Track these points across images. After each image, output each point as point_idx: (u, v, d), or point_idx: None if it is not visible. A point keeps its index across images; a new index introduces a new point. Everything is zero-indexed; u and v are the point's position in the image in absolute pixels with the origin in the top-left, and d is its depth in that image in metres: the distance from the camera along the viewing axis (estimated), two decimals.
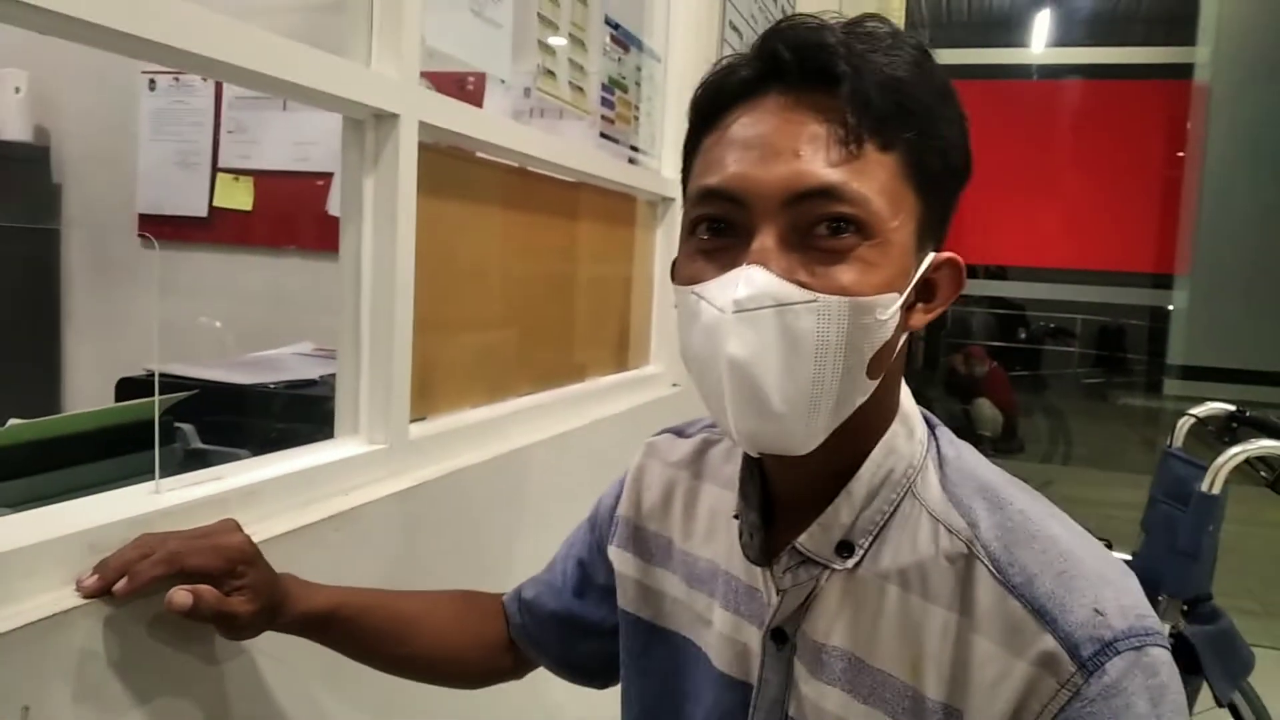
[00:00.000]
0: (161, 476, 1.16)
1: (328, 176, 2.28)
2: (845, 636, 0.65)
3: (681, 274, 0.65)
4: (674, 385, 2.08)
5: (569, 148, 1.53)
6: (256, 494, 0.87)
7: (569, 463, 1.50)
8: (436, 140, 1.13)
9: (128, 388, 1.35)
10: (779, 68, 0.62)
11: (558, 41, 1.48)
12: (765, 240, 0.59)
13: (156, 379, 0.83)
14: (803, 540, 0.66)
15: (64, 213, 2.55)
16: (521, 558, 1.40)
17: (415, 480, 1.07)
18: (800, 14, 0.64)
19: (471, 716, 1.12)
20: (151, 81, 2.40)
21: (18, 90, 2.44)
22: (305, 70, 0.89)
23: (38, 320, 2.51)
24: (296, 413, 1.28)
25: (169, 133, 2.40)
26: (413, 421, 1.11)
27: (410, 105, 1.03)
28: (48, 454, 1.08)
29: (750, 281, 0.58)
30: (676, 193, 1.99)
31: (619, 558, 0.83)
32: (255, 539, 0.82)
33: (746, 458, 0.71)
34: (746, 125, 0.62)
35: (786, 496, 0.69)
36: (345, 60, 0.98)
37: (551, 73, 1.46)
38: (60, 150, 2.53)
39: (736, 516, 0.71)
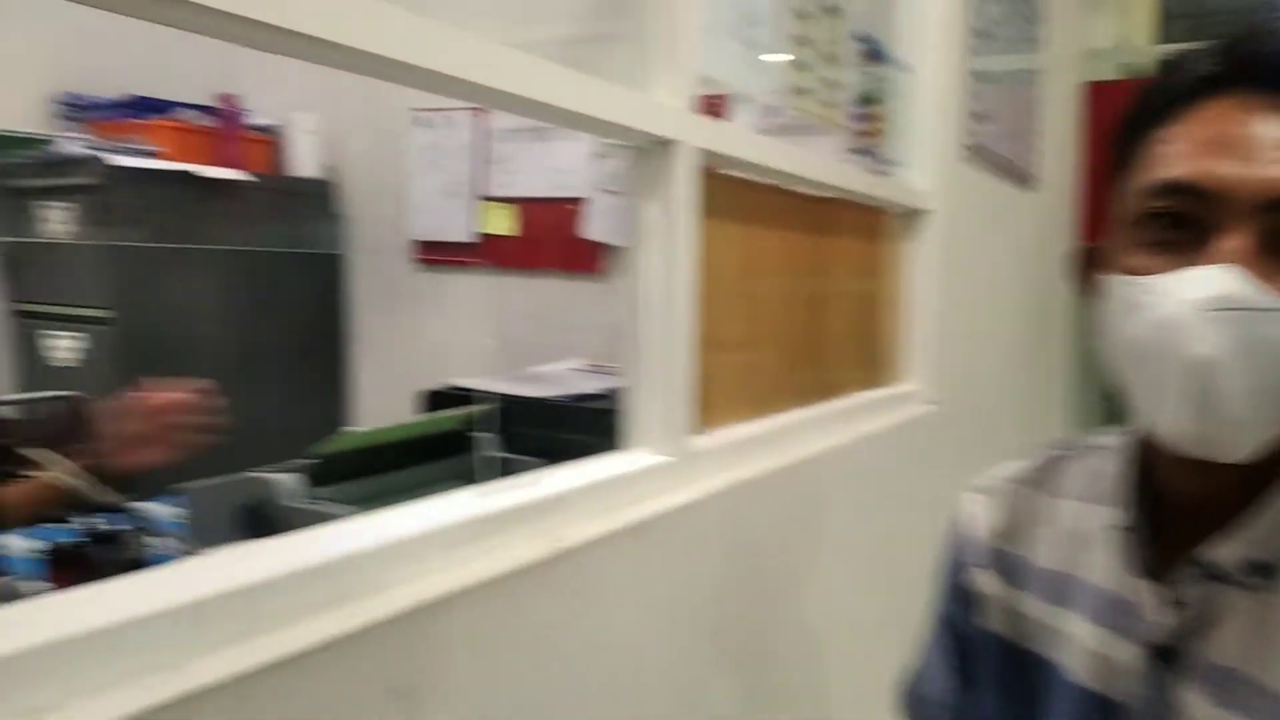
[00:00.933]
0: (473, 482, 1.27)
1: (583, 201, 2.41)
2: (1256, 663, 0.62)
3: (1121, 264, 0.64)
4: (930, 403, 2.03)
5: (828, 164, 1.54)
6: (566, 500, 0.93)
7: (836, 478, 1.50)
8: (709, 164, 1.17)
9: (431, 400, 1.48)
10: (1249, 67, 0.61)
11: (810, 59, 1.49)
12: (1236, 241, 0.58)
13: (465, 394, 0.90)
14: (1210, 553, 0.64)
15: (349, 241, 2.82)
16: (801, 578, 1.42)
17: (701, 492, 1.11)
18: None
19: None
20: (423, 119, 2.62)
21: (310, 131, 2.73)
22: (591, 101, 0.95)
23: (329, 338, 2.79)
24: (582, 425, 1.36)
25: (438, 165, 2.62)
26: (694, 435, 1.16)
27: (687, 131, 1.08)
28: (371, 459, 1.20)
29: (1227, 282, 0.57)
30: (929, 204, 1.97)
31: (983, 578, 0.82)
32: (565, 544, 0.89)
33: (1135, 465, 0.70)
34: (1214, 122, 0.61)
35: (1189, 505, 0.67)
36: (628, 90, 1.04)
37: (807, 91, 1.48)
38: (345, 184, 2.80)
39: (1121, 527, 0.70)
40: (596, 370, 1.89)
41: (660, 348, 1.09)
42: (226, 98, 2.55)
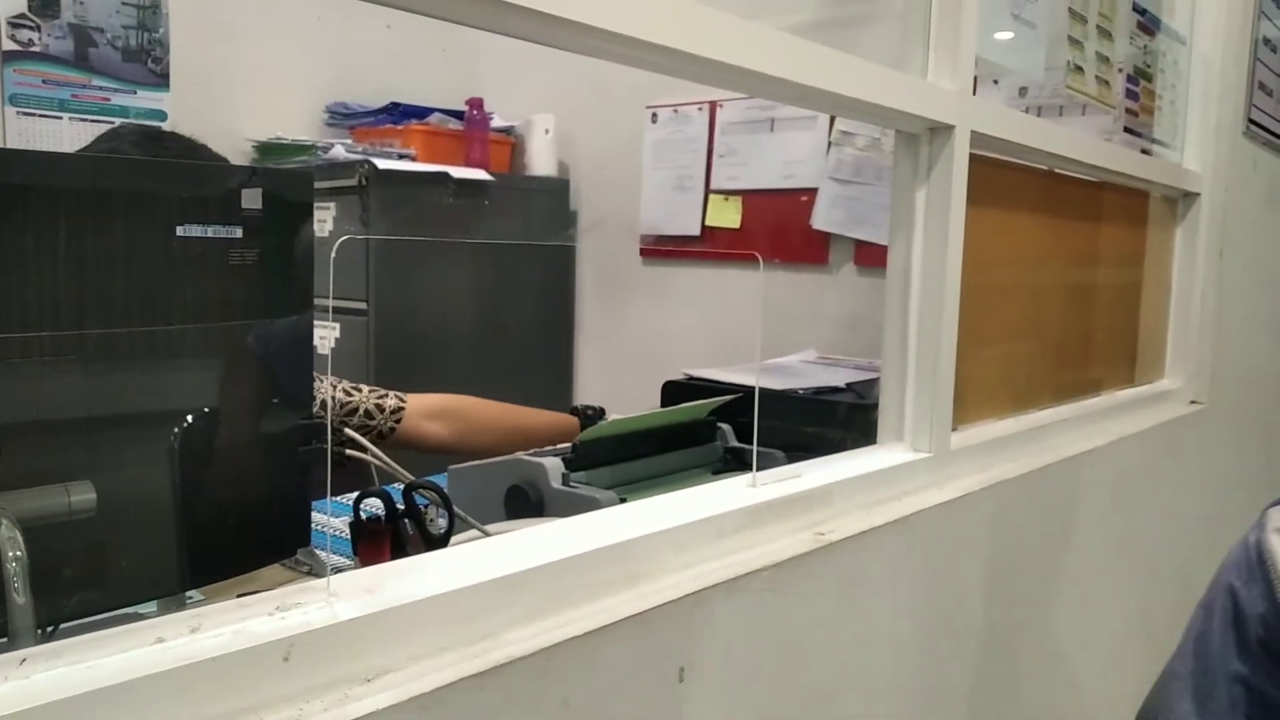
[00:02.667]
0: (714, 471, 1.28)
1: (811, 192, 2.37)
2: None
3: None
4: (1192, 403, 1.87)
5: (1097, 145, 1.44)
6: (830, 494, 0.92)
7: (1095, 482, 1.41)
8: (981, 149, 1.11)
9: (671, 390, 1.50)
10: None
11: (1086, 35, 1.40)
12: None
13: (757, 391, 0.90)
14: None
15: (578, 235, 2.92)
16: (1058, 582, 1.35)
17: (959, 490, 1.07)
18: None
19: None
20: (654, 115, 2.66)
21: (546, 132, 2.84)
22: (867, 86, 0.93)
23: (556, 327, 2.90)
24: (824, 418, 1.34)
25: (668, 160, 2.65)
26: (952, 431, 1.11)
27: (965, 115, 1.03)
28: (624, 446, 1.23)
29: None
30: (1200, 186, 1.80)
31: None
32: (832, 537, 0.88)
33: None
34: None
35: None
36: (906, 75, 1.01)
37: (1080, 68, 1.38)
38: (577, 182, 2.90)
39: None
40: (829, 362, 1.86)
41: (924, 341, 1.06)
42: (474, 102, 2.69)
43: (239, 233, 0.74)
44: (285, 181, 0.78)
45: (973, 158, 1.08)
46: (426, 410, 1.48)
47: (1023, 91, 2.00)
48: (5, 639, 0.59)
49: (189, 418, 0.75)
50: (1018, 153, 1.22)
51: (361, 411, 1.41)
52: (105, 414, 0.68)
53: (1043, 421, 1.35)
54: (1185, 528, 1.86)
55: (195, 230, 0.72)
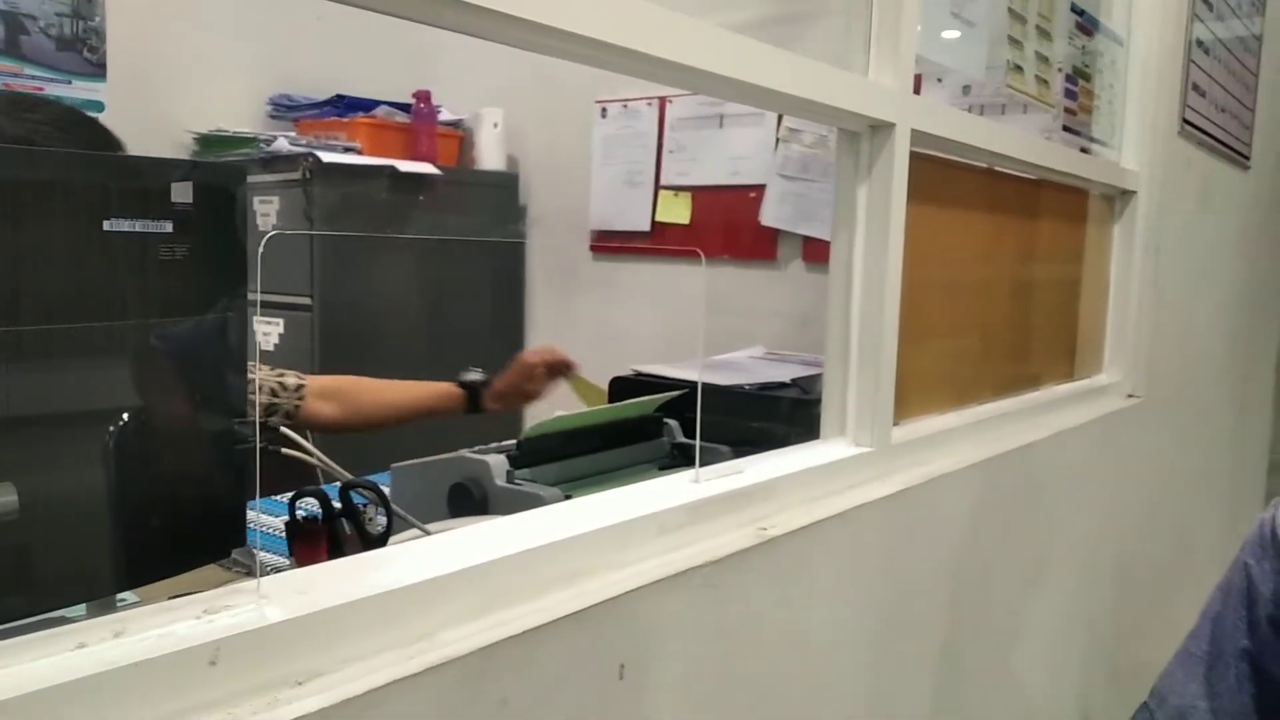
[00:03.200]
0: (660, 467, 1.28)
1: (760, 188, 2.39)
2: None
3: None
4: (1130, 396, 1.91)
5: (1036, 143, 1.46)
6: (773, 489, 0.93)
7: (1036, 475, 1.43)
8: (923, 147, 1.13)
9: (618, 386, 1.50)
10: None
11: (1025, 34, 1.42)
12: None
13: (700, 386, 0.90)
14: None
15: (528, 229, 2.90)
16: (1001, 574, 1.37)
17: (901, 484, 1.08)
18: None
19: None
20: (604, 110, 2.66)
21: (495, 125, 2.83)
22: (808, 84, 0.93)
23: (506, 322, 2.88)
24: (770, 413, 1.35)
25: (618, 156, 2.65)
26: (893, 426, 1.13)
27: (905, 114, 1.04)
28: (569, 442, 1.23)
29: None
30: (1137, 184, 1.85)
31: None
32: (774, 532, 0.88)
33: None
34: None
35: None
36: (848, 73, 1.01)
37: (1019, 68, 1.41)
38: (526, 176, 2.88)
39: None
40: (777, 358, 1.87)
41: (866, 337, 1.07)
42: (421, 95, 2.66)
43: (169, 227, 0.72)
44: (217, 175, 0.76)
45: (914, 155, 1.09)
46: (320, 390, 1.48)
47: (966, 90, 2.03)
48: None
49: (120, 417, 0.73)
50: (958, 151, 1.24)
51: (267, 390, 1.39)
52: (30, 414, 0.66)
53: (984, 415, 1.37)
54: (1124, 518, 1.90)
55: (124, 225, 0.70)
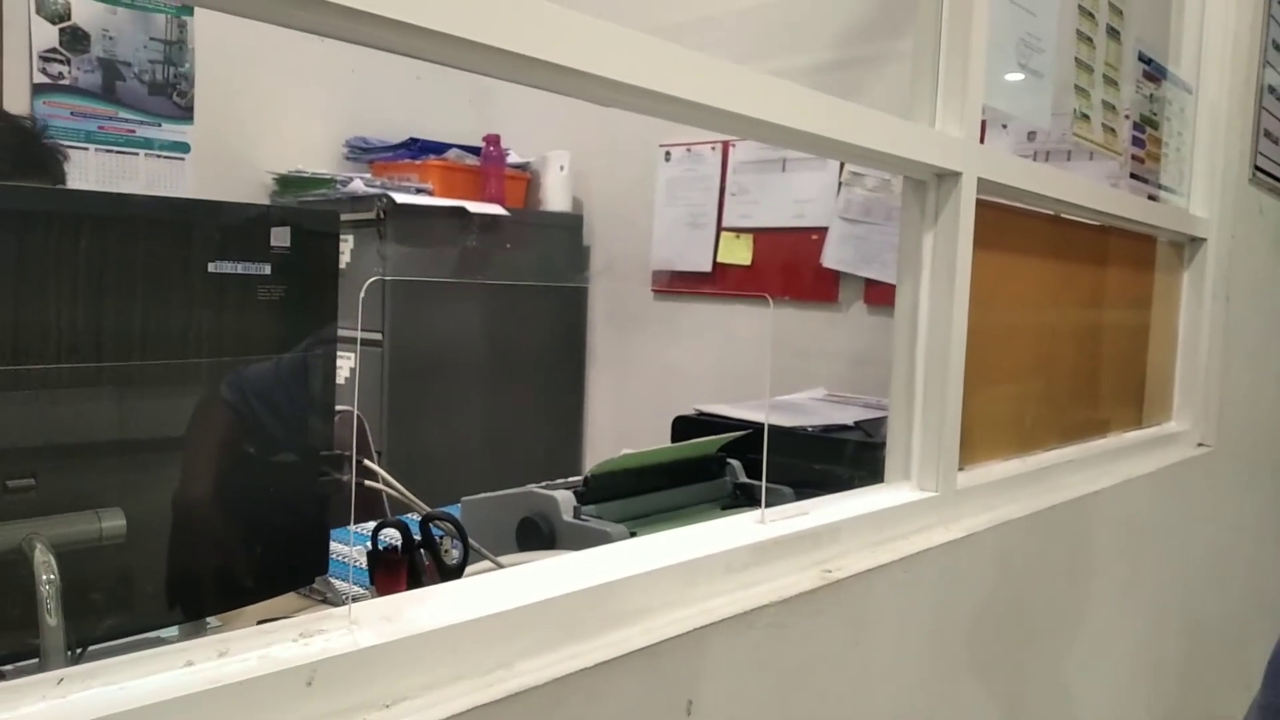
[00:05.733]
0: (723, 507, 1.29)
1: (822, 231, 2.40)
2: None
3: None
4: (1200, 445, 1.88)
5: (1102, 191, 1.46)
6: (838, 531, 0.94)
7: (1102, 524, 1.42)
8: (987, 194, 1.14)
9: (681, 425, 1.52)
10: None
11: (1092, 84, 1.43)
12: None
13: (766, 428, 0.92)
14: None
15: (591, 270, 2.95)
16: (1064, 623, 1.35)
17: (965, 530, 1.08)
18: None
19: None
20: (667, 154, 2.71)
21: (561, 168, 2.89)
22: (876, 135, 0.95)
23: (568, 360, 2.93)
24: (832, 455, 1.36)
25: (680, 198, 2.69)
26: (958, 471, 1.13)
27: (972, 163, 1.06)
28: (635, 480, 1.25)
29: None
30: (1207, 231, 1.83)
31: None
32: (839, 575, 0.89)
33: None
34: None
35: None
36: (914, 123, 1.04)
37: (1086, 116, 1.41)
38: (590, 217, 2.94)
39: None
40: (838, 400, 1.87)
41: (932, 382, 1.08)
42: (491, 138, 2.74)
43: (268, 269, 0.77)
44: (313, 221, 0.81)
45: (980, 203, 1.10)
46: None
47: (1031, 136, 2.04)
48: (36, 659, 0.62)
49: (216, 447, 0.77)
50: (1024, 198, 1.25)
51: None
52: (137, 443, 0.71)
53: (1050, 462, 1.37)
54: (1193, 569, 1.86)
55: (226, 266, 0.75)
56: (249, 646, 0.54)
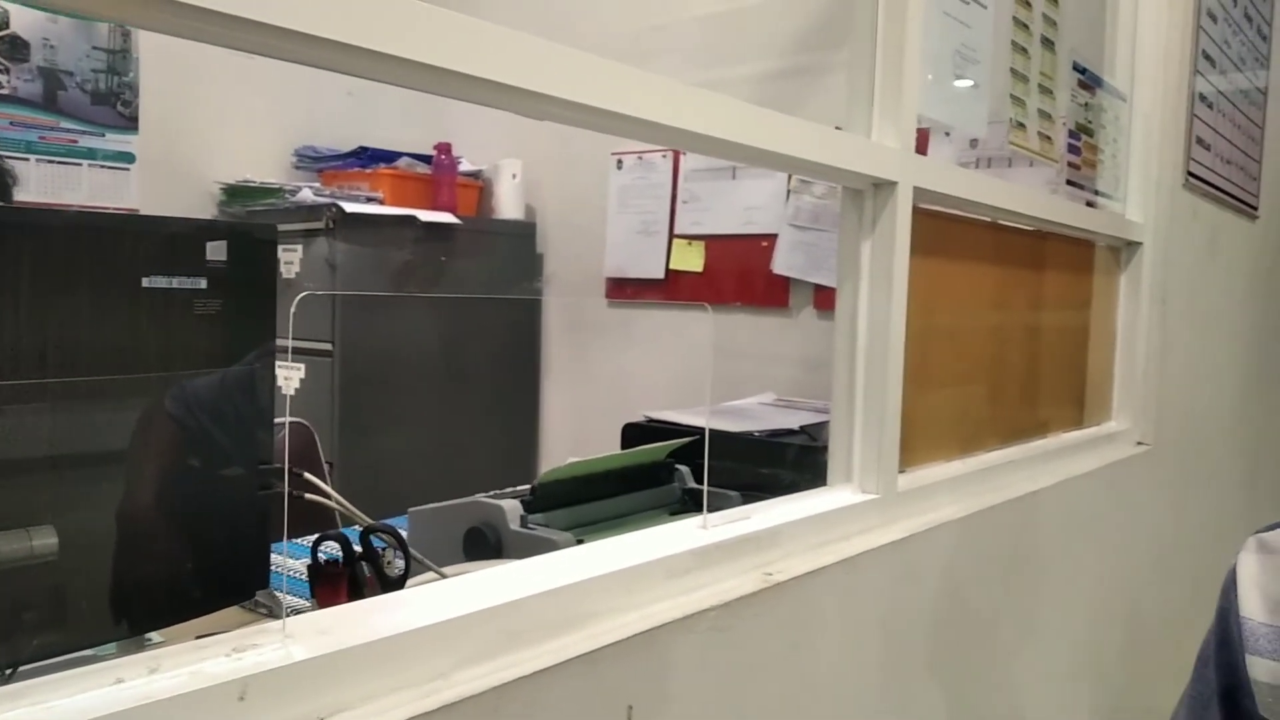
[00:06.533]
0: (672, 512, 1.30)
1: (772, 237, 2.43)
2: None
3: None
4: (1139, 444, 1.92)
5: (1039, 198, 1.50)
6: (780, 534, 0.95)
7: (1043, 522, 1.45)
8: (923, 202, 1.16)
9: (631, 432, 1.53)
10: None
11: (1028, 93, 1.46)
12: None
13: (707, 433, 0.93)
14: None
15: (544, 277, 2.96)
16: (1007, 621, 1.38)
17: (906, 531, 1.10)
18: None
19: None
20: (619, 161, 2.72)
21: (514, 176, 2.89)
22: (813, 147, 0.97)
23: (522, 368, 2.93)
24: (778, 460, 1.38)
25: (632, 205, 2.71)
26: (898, 473, 1.15)
27: (907, 172, 1.08)
28: (582, 488, 1.26)
29: None
30: (1142, 235, 1.88)
31: (1260, 666, 0.75)
32: (780, 578, 0.91)
33: None
34: None
35: None
36: (851, 135, 1.06)
37: (1021, 125, 1.45)
38: (544, 225, 2.94)
39: None
40: (785, 405, 1.90)
41: (871, 386, 1.10)
42: (442, 147, 2.73)
43: (204, 283, 0.77)
44: (250, 234, 0.81)
45: (917, 210, 1.13)
46: None
47: (974, 143, 2.08)
48: None
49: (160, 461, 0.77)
50: (961, 206, 1.28)
51: None
52: (69, 458, 0.70)
53: (991, 463, 1.40)
54: (1133, 566, 1.90)
55: (161, 281, 0.74)
56: (180, 662, 0.54)
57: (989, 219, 1.42)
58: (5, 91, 2.33)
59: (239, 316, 0.80)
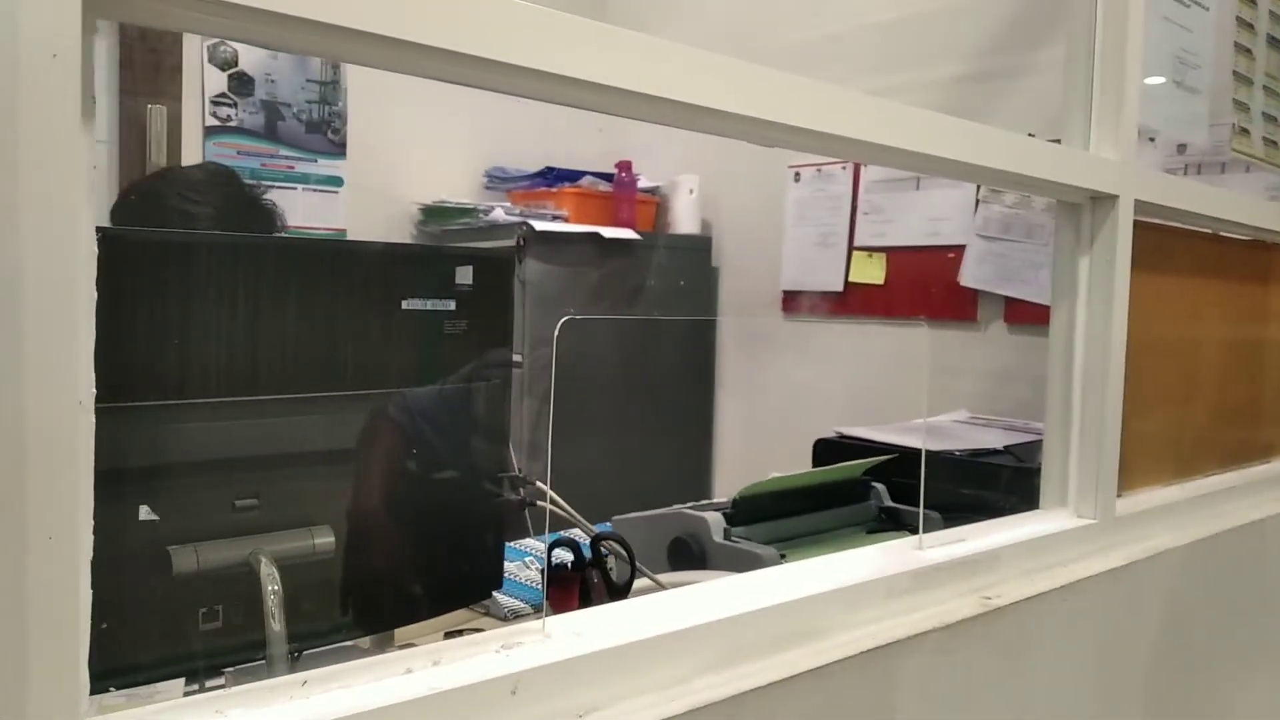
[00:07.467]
0: (868, 530, 1.30)
1: (958, 249, 2.37)
2: None
3: None
4: None
5: (1266, 208, 1.41)
6: (997, 559, 0.94)
7: (1271, 552, 1.36)
8: (1144, 215, 1.12)
9: (822, 448, 1.53)
10: None
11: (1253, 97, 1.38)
12: None
13: (924, 453, 0.93)
14: None
15: (720, 291, 2.98)
16: (1230, 657, 1.30)
17: (1126, 558, 1.06)
18: None
19: None
20: (796, 174, 2.72)
21: (691, 192, 2.93)
22: (1028, 161, 0.95)
23: (698, 381, 2.96)
24: (984, 480, 1.35)
25: (810, 218, 2.69)
26: (1117, 497, 1.11)
27: (1128, 185, 1.04)
28: (781, 502, 1.27)
29: None
30: None
31: None
32: (999, 602, 0.89)
33: None
34: None
35: None
36: (1067, 147, 1.03)
37: (1246, 130, 1.37)
38: (719, 239, 2.97)
39: None
40: (982, 422, 1.85)
41: (1089, 407, 1.06)
42: (622, 165, 2.81)
43: (452, 305, 0.83)
44: (493, 258, 0.87)
45: (1136, 224, 1.08)
46: None
47: (1181, 148, 1.97)
48: (260, 660, 0.68)
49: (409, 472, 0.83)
50: (1180, 217, 1.22)
51: None
52: (343, 465, 0.78)
53: (1212, 488, 1.32)
54: None
55: (417, 304, 0.81)
56: (458, 656, 0.59)
57: (1209, 230, 1.34)
58: (234, 124, 2.56)
59: (481, 334, 0.86)
